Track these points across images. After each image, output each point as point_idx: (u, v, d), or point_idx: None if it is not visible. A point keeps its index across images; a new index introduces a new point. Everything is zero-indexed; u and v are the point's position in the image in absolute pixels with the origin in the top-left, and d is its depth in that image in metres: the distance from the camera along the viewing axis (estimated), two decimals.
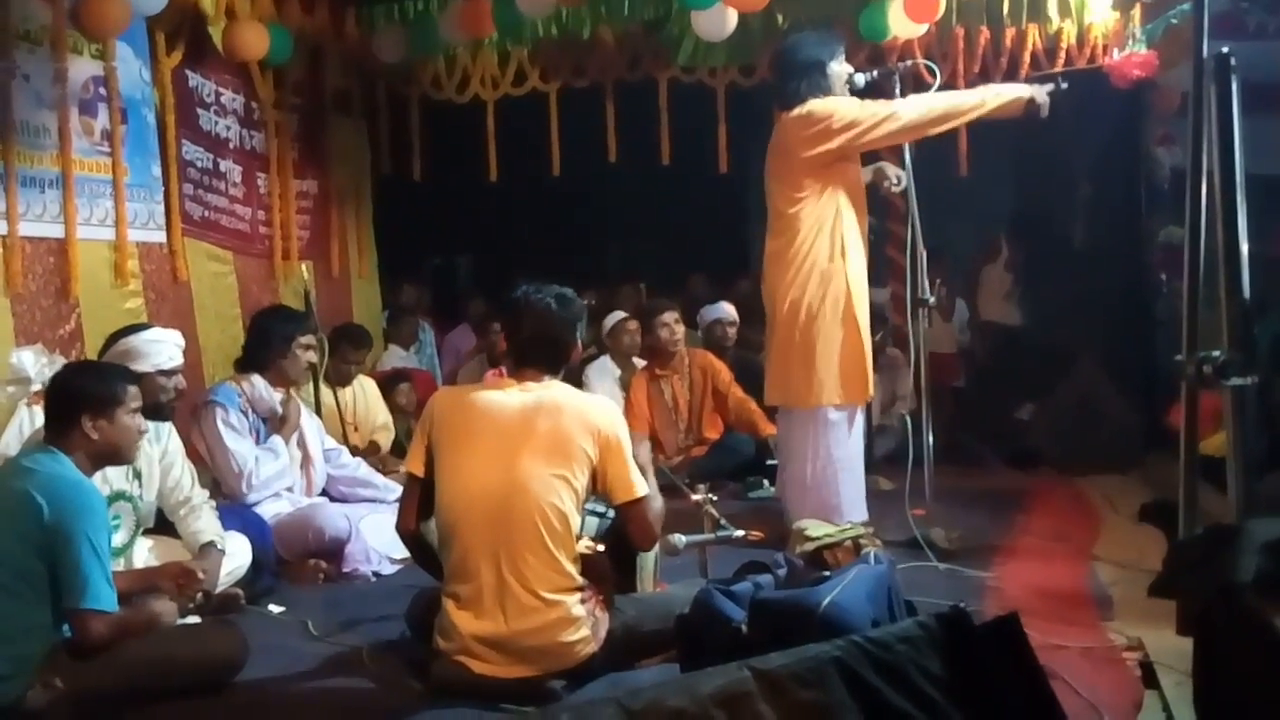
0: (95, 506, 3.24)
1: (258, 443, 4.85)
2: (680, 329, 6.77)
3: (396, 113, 7.88)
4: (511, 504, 3.26)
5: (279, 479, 4.86)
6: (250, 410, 4.87)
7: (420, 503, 3.46)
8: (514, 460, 3.28)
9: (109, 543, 3.31)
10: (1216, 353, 2.47)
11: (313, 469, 5.09)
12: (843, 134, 4.75)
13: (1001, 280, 8.80)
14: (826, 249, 4.85)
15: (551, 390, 3.41)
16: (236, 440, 4.76)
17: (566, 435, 3.31)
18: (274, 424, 4.94)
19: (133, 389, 3.48)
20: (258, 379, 4.92)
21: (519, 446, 3.30)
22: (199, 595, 3.76)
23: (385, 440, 6.27)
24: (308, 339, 5.09)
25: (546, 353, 3.48)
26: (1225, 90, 2.59)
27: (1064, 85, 4.79)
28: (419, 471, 3.46)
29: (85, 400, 3.35)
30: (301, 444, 5.05)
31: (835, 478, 4.88)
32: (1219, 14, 5.11)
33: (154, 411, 3.93)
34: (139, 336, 4.19)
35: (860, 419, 5.06)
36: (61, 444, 3.33)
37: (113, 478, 3.84)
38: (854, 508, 4.89)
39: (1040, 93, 4.73)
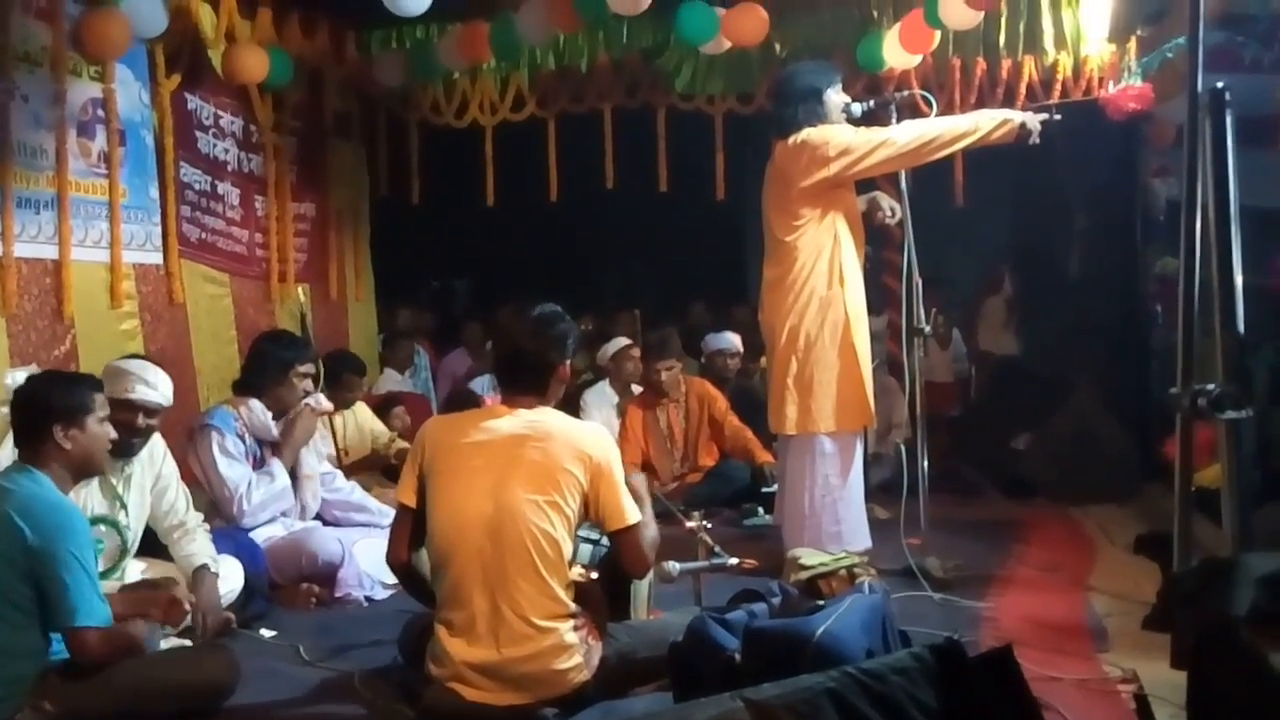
0: (76, 524, 3.22)
1: (255, 467, 4.83)
2: (680, 379, 6.78)
3: (395, 137, 7.90)
4: (503, 530, 3.24)
5: (276, 502, 4.83)
6: (247, 434, 4.85)
7: (411, 533, 3.43)
8: (505, 487, 3.26)
9: (95, 559, 3.29)
10: (1211, 386, 2.47)
11: (307, 493, 5.07)
12: (838, 161, 4.77)
13: (1001, 312, 8.82)
14: (825, 276, 4.86)
15: (543, 416, 3.39)
16: (229, 466, 4.73)
17: (556, 461, 3.29)
18: (280, 442, 4.92)
19: (100, 396, 3.44)
20: (255, 403, 4.90)
21: (510, 473, 3.28)
22: (201, 618, 3.72)
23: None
24: (306, 367, 5.05)
25: (528, 374, 3.42)
26: (1220, 124, 2.61)
27: (1057, 116, 4.82)
28: (410, 502, 3.42)
29: (55, 410, 3.30)
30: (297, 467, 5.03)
31: (835, 505, 4.86)
32: (1214, 47, 5.11)
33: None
34: (142, 363, 4.17)
35: (859, 447, 5.06)
36: (36, 460, 3.29)
37: (94, 503, 3.81)
38: (855, 535, 4.88)
39: (1032, 119, 4.76)
